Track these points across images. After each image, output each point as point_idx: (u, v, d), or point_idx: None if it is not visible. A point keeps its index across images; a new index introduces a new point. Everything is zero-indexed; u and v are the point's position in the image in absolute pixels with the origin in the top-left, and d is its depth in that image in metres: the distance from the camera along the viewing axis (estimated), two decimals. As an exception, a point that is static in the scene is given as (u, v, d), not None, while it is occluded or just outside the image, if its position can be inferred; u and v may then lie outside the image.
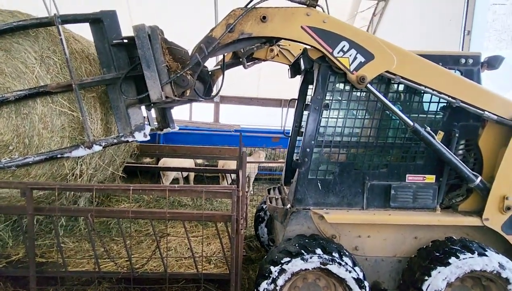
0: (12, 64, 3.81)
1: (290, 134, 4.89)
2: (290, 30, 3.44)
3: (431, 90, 3.44)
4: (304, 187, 3.78)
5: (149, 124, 3.87)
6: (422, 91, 3.52)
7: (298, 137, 4.83)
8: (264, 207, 5.27)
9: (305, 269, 3.35)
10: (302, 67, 3.74)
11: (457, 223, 3.61)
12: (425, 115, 3.67)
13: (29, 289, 3.65)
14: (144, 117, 3.76)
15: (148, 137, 3.76)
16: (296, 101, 4.75)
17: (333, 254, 3.36)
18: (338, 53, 3.42)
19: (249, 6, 3.37)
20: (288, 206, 3.87)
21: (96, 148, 3.66)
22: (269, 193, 4.71)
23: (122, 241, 4.27)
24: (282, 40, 4.10)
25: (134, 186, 3.69)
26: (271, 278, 3.35)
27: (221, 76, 4.25)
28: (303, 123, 4.81)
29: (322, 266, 3.33)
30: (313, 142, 3.70)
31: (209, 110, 18.17)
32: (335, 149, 3.78)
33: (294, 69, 4.61)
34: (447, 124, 3.64)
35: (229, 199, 3.79)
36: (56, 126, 3.86)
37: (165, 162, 8.43)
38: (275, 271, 3.35)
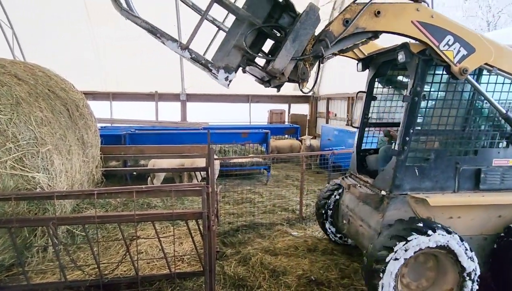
0: None
1: (358, 126, 5.06)
2: (401, 25, 3.58)
3: None
4: (402, 174, 3.97)
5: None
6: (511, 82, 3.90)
7: (366, 128, 5.04)
8: (328, 201, 5.43)
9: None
10: (401, 60, 3.90)
11: None
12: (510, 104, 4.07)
13: None
14: (239, 65, 3.57)
15: (227, 84, 3.54)
16: (365, 94, 4.94)
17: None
18: (444, 46, 3.64)
19: (368, 1, 3.47)
20: (383, 192, 4.05)
21: (186, 54, 3.42)
22: (343, 180, 4.90)
23: (88, 248, 4.02)
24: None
25: (98, 189, 3.53)
26: (426, 235, 3.56)
27: None
28: (370, 115, 5.02)
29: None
30: (411, 131, 3.90)
31: (176, 109, 17.63)
32: (431, 136, 4.03)
33: (365, 63, 4.79)
34: None
35: (199, 196, 3.75)
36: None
37: (154, 163, 8.13)
38: (440, 234, 3.59)
